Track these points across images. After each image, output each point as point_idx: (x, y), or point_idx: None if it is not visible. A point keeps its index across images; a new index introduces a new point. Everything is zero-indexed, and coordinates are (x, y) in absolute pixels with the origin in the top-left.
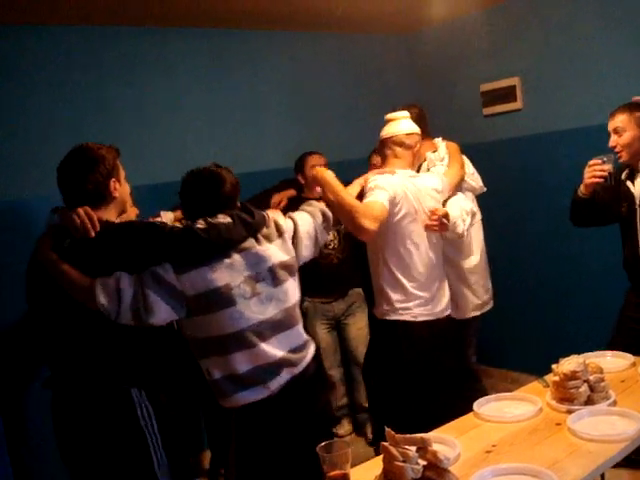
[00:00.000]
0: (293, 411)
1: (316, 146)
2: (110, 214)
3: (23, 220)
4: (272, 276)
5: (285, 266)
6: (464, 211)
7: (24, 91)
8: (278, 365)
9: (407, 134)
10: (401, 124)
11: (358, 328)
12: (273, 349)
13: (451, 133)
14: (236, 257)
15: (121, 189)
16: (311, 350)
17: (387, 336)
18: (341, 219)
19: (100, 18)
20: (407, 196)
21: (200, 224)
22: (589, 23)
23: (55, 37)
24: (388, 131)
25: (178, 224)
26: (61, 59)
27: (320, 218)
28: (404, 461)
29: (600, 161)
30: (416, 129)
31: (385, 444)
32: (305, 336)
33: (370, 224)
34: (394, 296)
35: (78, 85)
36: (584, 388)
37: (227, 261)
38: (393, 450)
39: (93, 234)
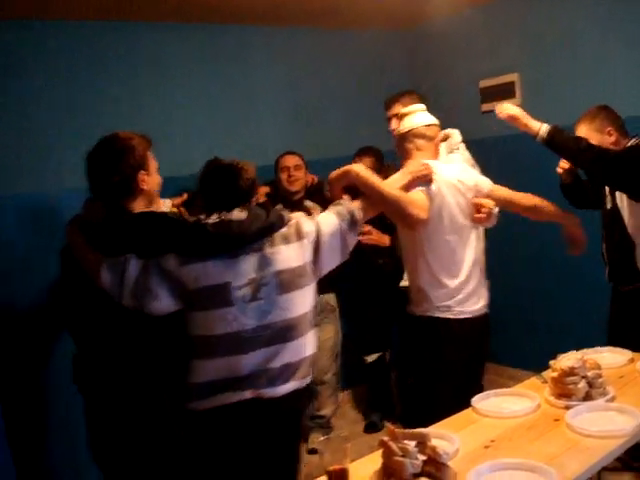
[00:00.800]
0: (245, 432)
1: (313, 143)
2: (138, 206)
3: (45, 211)
4: (279, 282)
5: (297, 273)
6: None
7: (31, 86)
8: (255, 378)
9: (427, 125)
10: (419, 116)
11: (322, 340)
12: (260, 361)
13: (449, 129)
14: (244, 257)
15: (150, 181)
16: (302, 377)
17: (425, 333)
18: (386, 212)
19: (96, 13)
20: (442, 190)
21: (212, 219)
22: (589, 19)
23: (70, 32)
24: (406, 125)
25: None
26: (72, 54)
27: (347, 219)
28: (403, 456)
29: None
30: (435, 120)
31: (384, 439)
32: (303, 355)
33: (420, 212)
34: (433, 294)
35: (78, 80)
36: (582, 384)
37: (233, 260)
38: (392, 445)
39: None
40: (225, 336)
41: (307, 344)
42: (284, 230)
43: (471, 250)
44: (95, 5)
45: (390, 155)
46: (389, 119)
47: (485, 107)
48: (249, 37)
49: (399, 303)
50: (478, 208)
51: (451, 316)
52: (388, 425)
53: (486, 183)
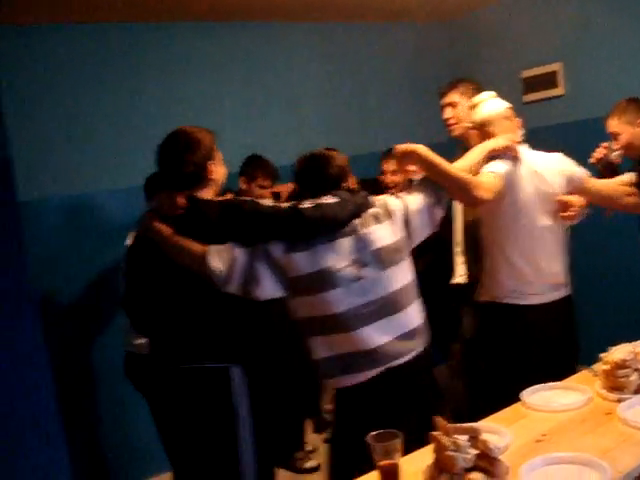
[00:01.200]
0: (385, 403)
1: (355, 137)
2: (207, 196)
3: (84, 212)
4: (378, 260)
5: (393, 249)
6: None
7: (84, 89)
8: (377, 353)
9: (509, 107)
10: (497, 101)
11: None
12: (374, 335)
13: None
14: (341, 240)
15: (218, 171)
16: (420, 343)
17: (497, 321)
18: (451, 193)
19: (137, 15)
20: (519, 174)
21: (305, 204)
22: (634, 6)
23: (107, 35)
24: (491, 109)
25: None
26: (106, 56)
27: (433, 194)
28: (455, 450)
29: (607, 144)
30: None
31: (435, 433)
32: (415, 324)
33: (484, 194)
34: (507, 280)
35: (119, 82)
36: (634, 377)
37: (332, 244)
38: (444, 439)
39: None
40: (333, 317)
41: (415, 313)
42: (373, 210)
43: (549, 236)
44: (139, 7)
45: (439, 147)
46: (443, 107)
47: (527, 98)
48: (287, 34)
49: (451, 300)
50: (566, 206)
51: (525, 302)
52: (439, 419)
53: (580, 173)
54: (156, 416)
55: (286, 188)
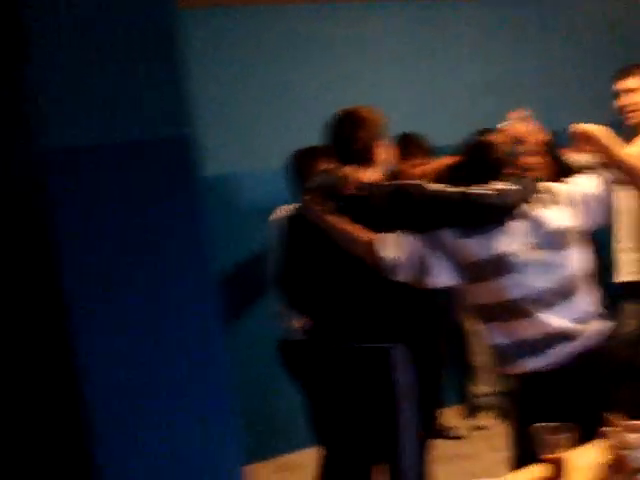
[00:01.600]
0: (563, 388)
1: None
2: (375, 176)
3: (239, 192)
4: (552, 242)
5: (566, 232)
6: None
7: (231, 71)
8: (556, 336)
9: None
10: None
11: None
12: (552, 318)
13: None
14: (514, 224)
15: (384, 153)
16: (597, 329)
17: None
18: (625, 181)
19: None
20: None
21: (485, 189)
22: None
23: (250, 18)
24: None
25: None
26: (275, 38)
27: (604, 181)
28: (629, 449)
29: None
30: None
31: (607, 430)
32: (591, 309)
33: None
34: None
35: (282, 63)
36: None
37: (506, 228)
38: (617, 437)
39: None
40: (509, 302)
41: (591, 299)
42: (541, 194)
43: None
44: None
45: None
46: (619, 92)
47: None
48: (446, 13)
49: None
50: None
51: None
52: (611, 416)
53: None
54: (312, 398)
55: (438, 165)
